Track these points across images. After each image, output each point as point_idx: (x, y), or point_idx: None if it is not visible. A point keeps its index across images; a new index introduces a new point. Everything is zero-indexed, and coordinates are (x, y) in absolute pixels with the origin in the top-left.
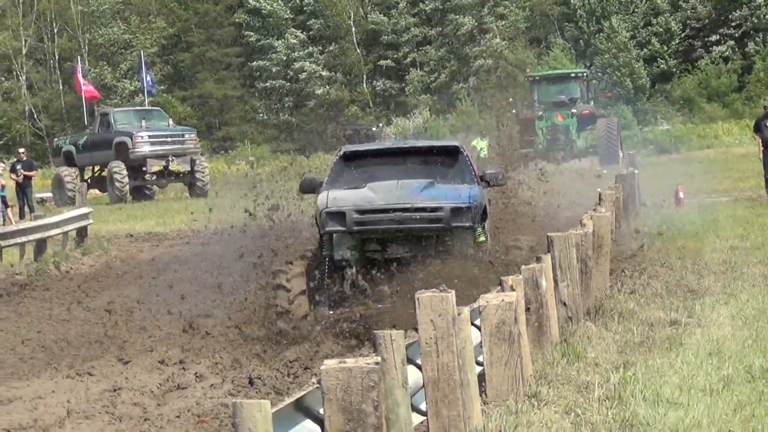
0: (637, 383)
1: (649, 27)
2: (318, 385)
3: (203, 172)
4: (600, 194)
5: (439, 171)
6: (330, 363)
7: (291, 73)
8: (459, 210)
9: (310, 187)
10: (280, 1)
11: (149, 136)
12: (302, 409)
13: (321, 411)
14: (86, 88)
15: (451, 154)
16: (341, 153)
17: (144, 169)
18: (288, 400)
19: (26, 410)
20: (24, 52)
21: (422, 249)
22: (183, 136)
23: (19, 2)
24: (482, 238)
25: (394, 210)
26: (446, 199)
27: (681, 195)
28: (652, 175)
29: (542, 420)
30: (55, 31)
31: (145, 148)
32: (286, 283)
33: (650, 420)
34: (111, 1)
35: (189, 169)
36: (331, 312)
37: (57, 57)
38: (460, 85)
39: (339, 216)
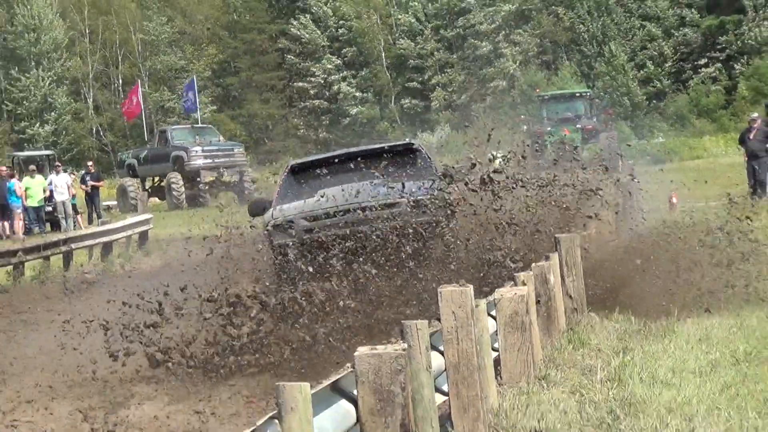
0: (635, 366)
1: (645, 51)
2: (352, 369)
3: (250, 182)
4: (602, 199)
5: (397, 173)
6: (363, 350)
7: (328, 93)
8: (418, 204)
9: (259, 208)
10: (318, 30)
11: (202, 151)
12: (338, 390)
13: (355, 392)
14: (131, 105)
15: (408, 153)
16: (288, 167)
17: (198, 179)
18: (325, 383)
19: None
20: (91, 76)
21: (387, 250)
22: (232, 150)
23: (86, 32)
24: (446, 232)
25: (346, 211)
26: (404, 194)
27: (674, 200)
28: (649, 181)
29: (551, 399)
30: (119, 58)
31: (199, 161)
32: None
33: (646, 399)
34: (168, 31)
35: (238, 179)
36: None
37: (120, 81)
38: (478, 103)
39: (285, 227)
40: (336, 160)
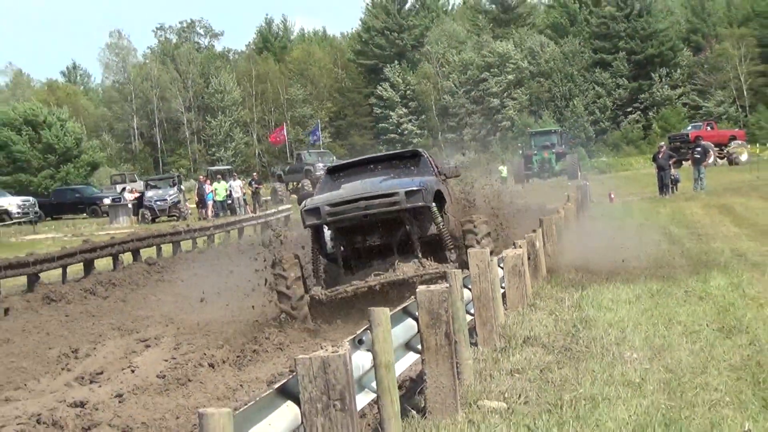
0: (589, 298)
1: (594, 104)
2: (415, 299)
3: None
4: (568, 195)
5: (404, 171)
6: (422, 287)
7: (399, 130)
8: (411, 192)
9: (306, 196)
10: (393, 91)
11: (323, 166)
12: (407, 312)
13: (416, 313)
14: (277, 136)
15: (414, 157)
16: (327, 169)
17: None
18: (399, 308)
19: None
20: (255, 120)
21: (393, 233)
22: None
23: (252, 92)
24: (438, 218)
25: (359, 199)
26: (401, 186)
27: (612, 196)
28: (596, 185)
29: (537, 318)
30: (272, 108)
31: (321, 172)
32: (283, 272)
33: (596, 318)
34: (302, 92)
35: None
36: (324, 292)
37: (273, 123)
38: (492, 136)
39: (315, 211)
40: (362, 164)
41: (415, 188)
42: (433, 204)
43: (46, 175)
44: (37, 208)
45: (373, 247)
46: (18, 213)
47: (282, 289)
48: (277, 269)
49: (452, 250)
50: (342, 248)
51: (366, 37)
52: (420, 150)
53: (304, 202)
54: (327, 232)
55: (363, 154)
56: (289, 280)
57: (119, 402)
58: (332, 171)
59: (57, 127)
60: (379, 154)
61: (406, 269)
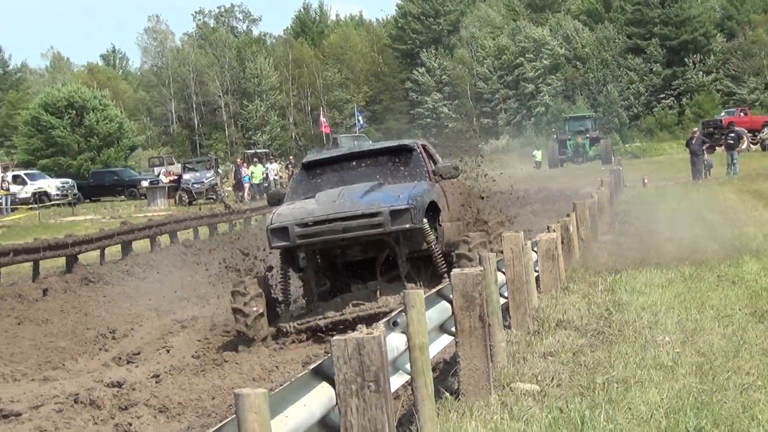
0: (622, 282)
1: (628, 90)
2: (449, 282)
3: None
4: (601, 180)
5: (392, 171)
6: (456, 271)
7: (434, 115)
8: (398, 213)
9: (275, 200)
10: (429, 76)
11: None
12: (441, 294)
13: (451, 296)
14: (324, 126)
15: (405, 153)
16: (302, 163)
17: None
18: (433, 290)
19: None
20: (291, 104)
21: (377, 253)
22: None
23: (289, 77)
24: (430, 237)
25: (335, 220)
26: (385, 203)
27: (646, 181)
28: (630, 170)
29: (570, 301)
30: (308, 93)
31: None
32: (243, 289)
33: (629, 301)
34: (338, 76)
35: None
36: (293, 324)
37: (309, 108)
38: (527, 121)
39: (282, 232)
40: (343, 159)
41: (402, 207)
42: (425, 221)
43: (86, 158)
44: (75, 190)
45: (354, 263)
46: (57, 195)
47: (238, 306)
48: (238, 287)
49: (445, 273)
50: (316, 268)
51: (402, 22)
52: (412, 144)
53: (271, 216)
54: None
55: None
56: (248, 297)
57: (156, 382)
58: (309, 166)
59: (100, 112)
60: (363, 148)
61: (389, 299)
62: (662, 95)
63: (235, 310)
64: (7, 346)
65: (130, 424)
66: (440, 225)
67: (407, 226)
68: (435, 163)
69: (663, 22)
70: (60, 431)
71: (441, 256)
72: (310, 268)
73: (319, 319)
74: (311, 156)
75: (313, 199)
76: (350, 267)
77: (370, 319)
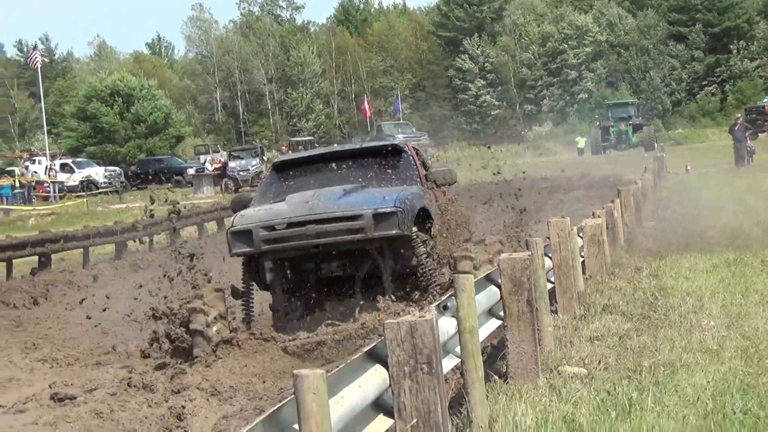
0: (667, 267)
1: (670, 76)
2: (497, 267)
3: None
4: (645, 167)
5: (378, 174)
6: (504, 255)
7: (477, 102)
8: (382, 216)
9: (240, 205)
10: (472, 63)
11: (403, 136)
12: (490, 279)
13: (499, 280)
14: (366, 111)
15: (393, 154)
16: (273, 164)
17: None
18: (482, 275)
19: None
20: (335, 92)
21: (357, 263)
22: (420, 136)
23: (332, 65)
24: (420, 246)
25: (307, 222)
26: (368, 205)
27: (689, 167)
28: (673, 156)
29: (615, 286)
30: (352, 80)
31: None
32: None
33: (674, 286)
34: (382, 64)
35: (424, 153)
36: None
37: (353, 95)
38: (570, 107)
39: (245, 235)
40: (320, 160)
41: (388, 209)
42: (415, 230)
43: (132, 147)
44: (122, 178)
45: (329, 279)
46: (104, 183)
47: (199, 328)
48: (195, 303)
49: (436, 291)
50: (284, 280)
51: (445, 10)
52: (402, 145)
53: (232, 219)
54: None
55: (442, 125)
56: (210, 316)
57: (206, 366)
58: (280, 167)
59: (148, 100)
60: (345, 147)
61: (370, 320)
62: (705, 82)
63: (194, 332)
64: (59, 331)
65: (184, 407)
66: (432, 237)
67: (393, 232)
68: (426, 168)
69: (706, 8)
70: (115, 413)
71: (432, 273)
72: (277, 283)
73: (290, 341)
74: (284, 156)
75: (283, 201)
76: (325, 283)
77: (349, 338)
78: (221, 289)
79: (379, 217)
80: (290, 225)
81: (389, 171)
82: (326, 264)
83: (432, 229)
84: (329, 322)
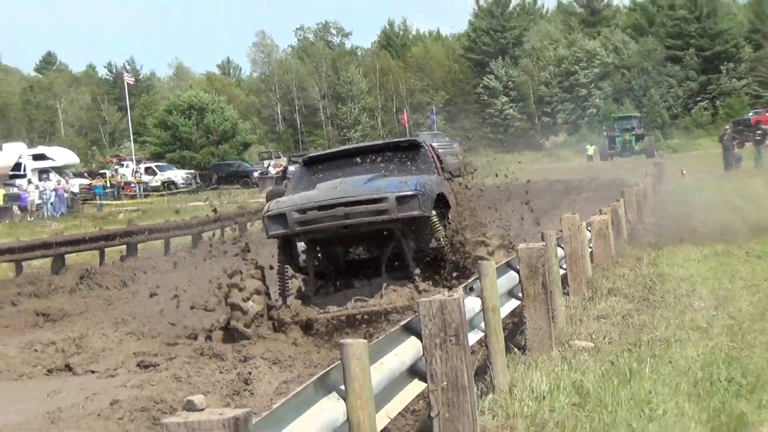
0: (664, 257)
1: (668, 93)
2: (516, 255)
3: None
4: (646, 171)
5: (398, 166)
6: (522, 245)
7: (502, 115)
8: (404, 198)
9: (275, 197)
10: (496, 81)
11: (437, 144)
12: (509, 265)
13: (518, 266)
14: (405, 121)
15: (411, 149)
16: (302, 160)
17: None
18: (503, 262)
19: None
20: (379, 106)
21: (382, 246)
22: (452, 144)
23: (376, 83)
24: (438, 228)
25: (336, 205)
26: (391, 189)
27: (684, 172)
28: (670, 162)
29: (619, 273)
30: (393, 97)
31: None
32: (239, 282)
33: (670, 273)
34: (419, 83)
35: (456, 160)
36: (291, 316)
37: (394, 109)
38: (581, 120)
39: (280, 219)
40: (346, 155)
41: (409, 192)
42: (434, 213)
43: (206, 153)
44: (198, 180)
45: (357, 261)
46: (182, 183)
47: (236, 301)
48: (234, 279)
49: (453, 271)
50: (316, 262)
51: (474, 36)
52: (419, 140)
53: (267, 205)
54: (299, 242)
55: (471, 135)
56: (246, 293)
57: (270, 339)
58: (309, 163)
59: (218, 113)
60: (368, 143)
61: (394, 297)
62: (698, 98)
63: (233, 306)
64: (144, 309)
65: (250, 373)
66: (449, 222)
67: (416, 213)
68: (441, 162)
69: (699, 34)
70: (191, 378)
71: (451, 253)
72: (310, 263)
73: (322, 313)
74: (310, 154)
75: (314, 189)
76: (353, 266)
77: (376, 315)
78: (261, 267)
79: (402, 200)
80: (321, 208)
81: (408, 163)
82: (354, 246)
83: (449, 214)
84: (358, 297)
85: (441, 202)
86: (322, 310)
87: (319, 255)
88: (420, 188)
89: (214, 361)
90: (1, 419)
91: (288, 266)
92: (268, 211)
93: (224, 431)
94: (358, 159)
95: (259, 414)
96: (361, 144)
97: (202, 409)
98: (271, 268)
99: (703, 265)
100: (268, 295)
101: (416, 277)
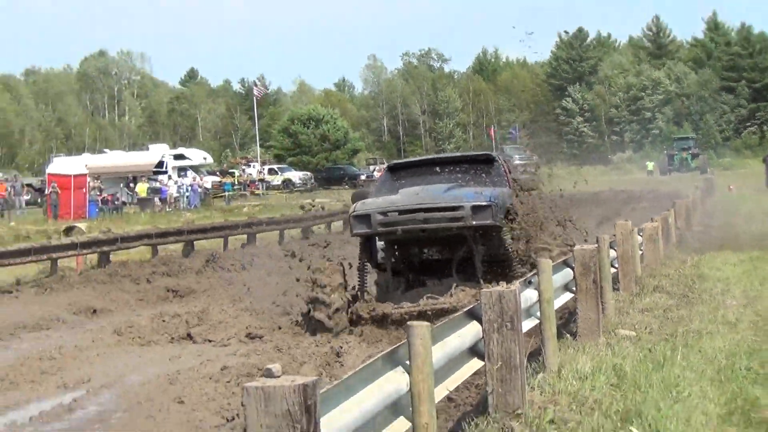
0: (705, 261)
1: (721, 118)
2: (572, 254)
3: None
4: (696, 186)
5: (473, 177)
6: (577, 246)
7: (577, 133)
8: (479, 207)
9: (360, 198)
10: (573, 104)
11: (518, 157)
12: (566, 263)
13: (573, 264)
14: (493, 136)
15: (486, 162)
16: (387, 166)
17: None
18: (559, 260)
19: None
20: (471, 122)
21: (454, 250)
22: (532, 157)
23: (470, 102)
24: (508, 238)
25: (416, 210)
26: (467, 198)
27: (731, 187)
28: (721, 178)
29: (665, 273)
30: (484, 114)
31: (516, 162)
32: (322, 277)
33: (709, 275)
34: (507, 104)
35: (533, 171)
36: (369, 310)
37: (484, 125)
38: (645, 140)
39: (365, 219)
40: (427, 164)
41: (484, 203)
42: (504, 223)
43: (321, 157)
44: (313, 180)
45: (430, 262)
46: (299, 183)
47: (319, 295)
48: (317, 275)
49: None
50: (393, 260)
51: (555, 64)
52: (494, 154)
53: (354, 206)
54: (379, 241)
55: (548, 149)
56: (329, 287)
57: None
58: (393, 169)
59: (332, 124)
60: (447, 155)
61: (462, 296)
62: (748, 123)
63: (314, 300)
64: (258, 289)
65: (341, 347)
66: (517, 232)
67: (488, 222)
68: (513, 176)
69: (750, 68)
70: (291, 350)
71: (516, 260)
72: (388, 261)
73: (397, 308)
74: (394, 161)
75: (397, 194)
76: (426, 266)
77: (445, 312)
78: (342, 263)
79: (477, 209)
80: (402, 212)
81: (483, 175)
82: (428, 248)
83: (517, 224)
84: (429, 295)
85: (511, 213)
86: (396, 306)
87: (396, 254)
88: (494, 199)
89: (311, 336)
90: (129, 378)
91: (368, 263)
92: (354, 211)
93: (294, 396)
94: (437, 168)
95: (332, 383)
96: (441, 155)
97: (278, 376)
98: (350, 265)
99: (738, 268)
100: (346, 289)
101: (482, 280)
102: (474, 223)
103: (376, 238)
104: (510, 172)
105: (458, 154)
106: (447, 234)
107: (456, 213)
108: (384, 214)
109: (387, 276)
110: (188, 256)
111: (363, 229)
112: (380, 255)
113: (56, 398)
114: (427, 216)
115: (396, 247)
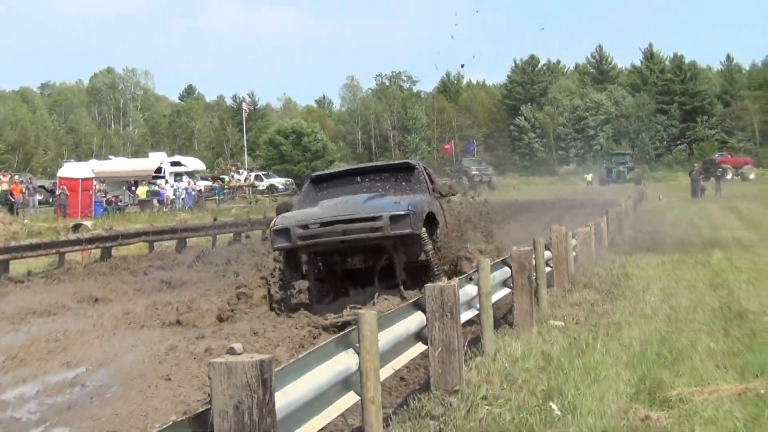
0: (630, 262)
1: (655, 136)
2: (510, 255)
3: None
4: (629, 195)
5: (394, 186)
6: (515, 248)
7: (529, 148)
8: (397, 217)
9: (283, 210)
10: (525, 122)
11: (476, 168)
12: (504, 262)
13: (510, 263)
14: (446, 149)
15: (406, 170)
16: (310, 178)
17: (472, 177)
18: (498, 260)
19: None
20: (435, 137)
21: (376, 257)
22: (488, 168)
23: (435, 120)
24: (428, 245)
25: (335, 222)
26: (385, 209)
27: (661, 197)
28: (652, 189)
29: (595, 272)
30: (446, 129)
31: (474, 171)
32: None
33: (634, 273)
34: (467, 121)
35: (488, 180)
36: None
37: (446, 139)
38: (588, 154)
39: (284, 233)
40: (348, 174)
41: (402, 212)
42: (423, 230)
43: (302, 166)
44: (294, 186)
45: (353, 271)
46: (282, 188)
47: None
48: (242, 289)
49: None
50: (317, 270)
51: (510, 87)
52: (414, 162)
53: (274, 220)
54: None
55: (502, 161)
56: (255, 299)
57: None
58: (316, 181)
59: (313, 136)
60: (368, 164)
61: (385, 305)
62: (678, 141)
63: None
64: (242, 280)
65: (320, 333)
66: (438, 238)
67: (406, 231)
68: (433, 182)
69: (681, 93)
70: (267, 333)
71: (438, 265)
72: (311, 273)
73: (321, 320)
74: (316, 172)
75: (317, 206)
76: (350, 274)
77: None
78: (264, 277)
79: (395, 219)
80: (322, 224)
81: (404, 183)
82: (350, 258)
83: (437, 232)
84: (352, 305)
85: (430, 220)
86: (322, 317)
87: (320, 264)
88: (411, 208)
89: (288, 320)
90: (124, 358)
91: (292, 272)
92: (273, 225)
93: (253, 370)
94: (358, 178)
95: (289, 360)
96: (362, 165)
97: (240, 353)
98: (263, 279)
99: (660, 269)
100: (272, 301)
101: (401, 287)
102: (392, 232)
103: (297, 251)
104: (431, 179)
105: (379, 163)
106: (367, 244)
107: (375, 223)
108: (303, 227)
109: (311, 286)
110: (181, 251)
111: (283, 243)
112: (303, 267)
113: (60, 374)
114: (346, 228)
115: (319, 258)
